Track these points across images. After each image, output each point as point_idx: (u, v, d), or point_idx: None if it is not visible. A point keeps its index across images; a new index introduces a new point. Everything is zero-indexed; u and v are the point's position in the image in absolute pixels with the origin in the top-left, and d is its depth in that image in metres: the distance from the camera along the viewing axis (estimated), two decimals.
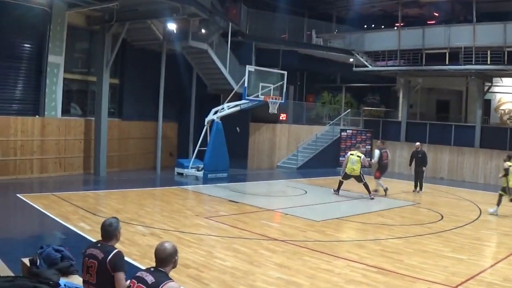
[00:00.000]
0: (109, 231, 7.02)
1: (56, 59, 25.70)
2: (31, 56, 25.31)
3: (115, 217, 7.27)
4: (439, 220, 18.73)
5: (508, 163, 20.23)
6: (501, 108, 37.74)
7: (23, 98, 25.13)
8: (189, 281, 10.45)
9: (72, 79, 27.80)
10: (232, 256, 12.59)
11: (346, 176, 24.15)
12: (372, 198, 23.43)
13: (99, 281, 6.70)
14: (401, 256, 13.16)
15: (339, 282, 10.93)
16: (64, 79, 26.41)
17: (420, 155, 26.54)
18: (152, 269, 6.01)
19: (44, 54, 25.35)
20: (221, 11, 32.58)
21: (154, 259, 6.16)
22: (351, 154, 24.35)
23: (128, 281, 6.37)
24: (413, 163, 26.76)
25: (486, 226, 18.01)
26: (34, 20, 25.02)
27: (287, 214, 18.87)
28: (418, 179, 26.58)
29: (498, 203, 20.16)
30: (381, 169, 25.58)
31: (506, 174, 20.11)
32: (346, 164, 24.11)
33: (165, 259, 6.05)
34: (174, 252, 6.15)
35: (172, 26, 28.18)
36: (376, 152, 25.76)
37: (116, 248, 6.86)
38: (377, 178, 25.38)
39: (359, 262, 12.41)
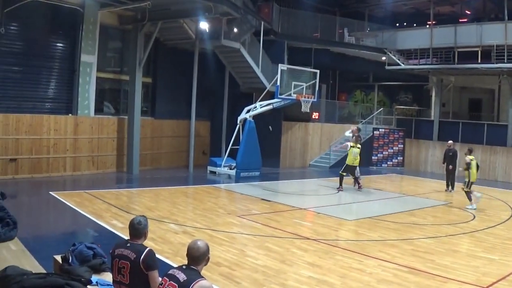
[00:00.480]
0: (138, 229, 7.03)
1: (88, 58, 25.85)
2: (64, 56, 25.51)
3: (143, 215, 7.28)
4: (471, 220, 18.57)
5: (469, 157, 21.36)
6: None
7: (56, 97, 25.33)
8: (221, 279, 10.45)
9: (105, 78, 27.95)
10: (264, 254, 12.58)
11: (348, 169, 24.78)
12: (359, 190, 24.67)
13: (132, 281, 6.69)
14: (432, 256, 13.05)
15: (371, 281, 10.87)
16: (97, 78, 26.56)
17: (451, 154, 26.32)
18: (184, 267, 5.98)
19: (76, 53, 25.53)
20: (253, 10, 32.54)
21: (186, 257, 6.14)
22: (351, 147, 24.77)
23: (160, 278, 6.37)
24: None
25: None
26: (67, 20, 25.21)
27: (319, 213, 18.82)
28: (450, 179, 26.21)
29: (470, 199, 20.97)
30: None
31: (467, 168, 21.01)
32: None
33: (198, 258, 6.01)
34: (207, 250, 6.11)
35: (204, 25, 28.22)
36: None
37: (146, 247, 6.85)
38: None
39: (390, 262, 12.34)
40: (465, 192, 20.69)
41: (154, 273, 6.60)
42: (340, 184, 24.66)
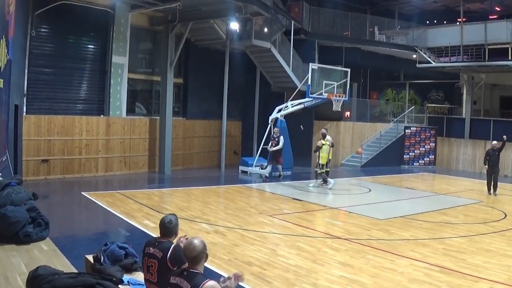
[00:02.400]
0: (169, 228, 7.09)
1: (120, 60, 26.01)
2: (95, 57, 25.68)
3: (173, 214, 7.31)
4: (503, 218, 18.45)
5: (322, 141, 23.42)
6: None
7: (88, 98, 25.50)
8: (252, 278, 10.47)
9: (136, 79, 28.09)
10: (295, 254, 12.59)
11: (324, 165, 24.42)
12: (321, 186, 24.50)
13: (160, 279, 6.73)
14: (464, 255, 12.98)
15: (402, 281, 10.84)
16: (128, 79, 26.72)
17: (497, 153, 24.64)
18: (185, 273, 5.82)
19: (108, 54, 25.69)
20: (283, 9, 32.53)
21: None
22: (323, 144, 24.22)
23: None
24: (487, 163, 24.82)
25: None
26: (98, 22, 25.36)
27: (351, 212, 18.79)
28: (493, 181, 24.55)
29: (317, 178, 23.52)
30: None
31: (316, 151, 23.42)
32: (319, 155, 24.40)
33: (196, 257, 5.84)
34: (204, 247, 5.91)
35: (235, 26, 28.29)
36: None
37: (172, 243, 6.88)
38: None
39: (422, 261, 12.29)
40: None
41: None
42: (325, 181, 24.59)
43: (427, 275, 11.23)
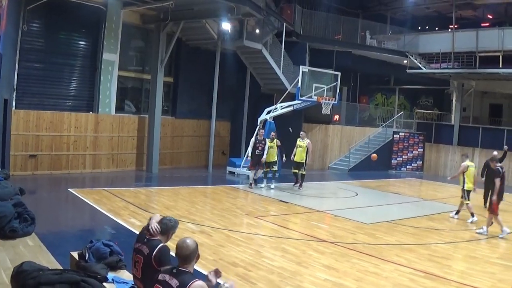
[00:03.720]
0: (187, 255, 7.12)
1: (110, 57, 25.98)
2: (86, 54, 25.64)
3: (172, 218, 7.36)
4: (490, 225, 18.50)
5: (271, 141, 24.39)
6: None
7: (78, 95, 25.45)
8: (237, 279, 10.47)
9: (127, 77, 28.07)
10: (280, 256, 12.62)
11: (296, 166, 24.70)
12: (299, 189, 24.45)
13: (144, 276, 6.80)
14: (449, 262, 13.06)
15: (387, 285, 10.89)
16: (119, 76, 26.70)
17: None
18: (174, 270, 5.91)
19: (99, 51, 25.65)
20: (276, 11, 32.59)
21: (200, 256, 6.14)
22: (300, 147, 24.75)
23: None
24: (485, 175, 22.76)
25: None
26: (90, 18, 25.31)
27: (337, 215, 18.82)
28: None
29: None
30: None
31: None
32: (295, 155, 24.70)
33: (189, 256, 5.94)
34: (196, 248, 6.04)
35: (226, 26, 28.31)
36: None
37: (161, 242, 6.90)
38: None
39: (407, 266, 12.34)
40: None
41: None
42: (298, 182, 24.90)
43: (412, 281, 11.27)
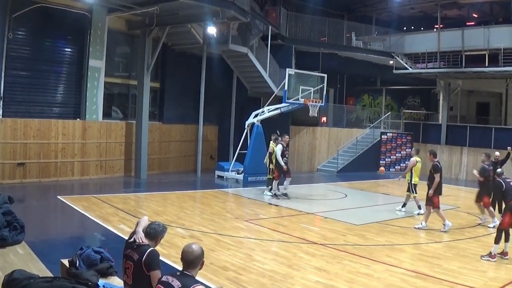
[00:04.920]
0: (191, 260, 7.14)
1: (96, 63, 25.95)
2: (72, 60, 25.62)
3: (160, 223, 7.38)
4: (478, 224, 18.55)
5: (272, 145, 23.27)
6: None
7: (64, 102, 25.44)
8: (228, 283, 10.47)
9: (113, 83, 28.08)
10: (271, 259, 12.62)
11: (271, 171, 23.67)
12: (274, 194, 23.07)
13: (135, 282, 6.77)
14: (440, 261, 13.05)
15: (378, 286, 10.89)
16: (105, 82, 26.67)
17: (499, 166, 19.48)
18: (178, 273, 5.96)
19: (85, 58, 25.64)
20: (261, 14, 32.65)
21: (183, 262, 6.14)
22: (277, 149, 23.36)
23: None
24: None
25: None
26: (75, 25, 25.32)
27: (326, 217, 18.84)
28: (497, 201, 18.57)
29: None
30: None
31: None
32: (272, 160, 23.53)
33: (193, 261, 5.99)
34: (202, 254, 6.09)
35: (212, 30, 28.33)
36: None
37: (150, 247, 6.90)
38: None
39: (398, 267, 12.34)
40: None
41: (155, 273, 6.64)
42: (271, 189, 23.60)
43: (403, 281, 11.28)
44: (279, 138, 23.31)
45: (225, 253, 12.81)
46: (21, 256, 9.18)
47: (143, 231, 7.14)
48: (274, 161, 23.08)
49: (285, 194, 22.58)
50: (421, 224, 17.37)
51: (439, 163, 17.85)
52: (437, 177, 17.42)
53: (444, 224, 17.10)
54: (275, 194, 22.61)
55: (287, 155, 23.50)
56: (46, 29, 24.25)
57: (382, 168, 30.36)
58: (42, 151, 23.91)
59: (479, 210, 18.68)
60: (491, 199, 17.58)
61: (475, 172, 18.82)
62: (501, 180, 13.91)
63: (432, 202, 17.28)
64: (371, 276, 11.59)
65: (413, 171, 20.07)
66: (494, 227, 16.72)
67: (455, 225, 18.06)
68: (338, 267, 12.21)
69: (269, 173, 23.60)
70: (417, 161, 19.93)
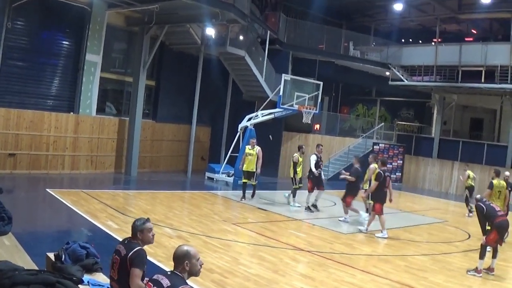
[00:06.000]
0: (132, 228, 7.18)
1: (93, 58, 25.92)
2: (69, 54, 25.61)
3: (146, 219, 7.36)
4: (466, 239, 18.57)
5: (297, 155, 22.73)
6: None
7: (59, 95, 25.41)
8: (213, 286, 10.45)
9: (109, 79, 28.05)
10: (257, 263, 12.59)
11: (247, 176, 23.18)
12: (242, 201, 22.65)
13: (120, 277, 6.82)
14: (426, 274, 13.04)
15: None
16: (101, 78, 26.65)
17: (509, 189, 18.69)
18: (169, 272, 5.96)
19: (82, 52, 25.61)
20: (260, 18, 32.65)
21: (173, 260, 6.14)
22: (250, 155, 23.11)
23: (145, 279, 6.44)
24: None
25: None
26: (74, 18, 25.33)
27: (314, 225, 18.83)
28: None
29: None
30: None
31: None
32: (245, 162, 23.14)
33: (177, 259, 5.97)
34: (186, 255, 5.98)
35: (210, 31, 28.38)
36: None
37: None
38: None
39: (383, 277, 12.32)
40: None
41: (135, 270, 6.68)
42: (244, 196, 23.11)
43: None
44: (303, 148, 23.38)
45: (211, 255, 12.77)
46: (7, 247, 9.14)
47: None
48: (298, 171, 22.81)
49: (315, 206, 21.99)
50: (382, 232, 17.52)
51: (383, 173, 17.95)
52: (374, 184, 17.83)
53: (381, 231, 17.47)
54: (308, 207, 21.85)
55: (322, 165, 22.88)
56: (45, 20, 24.25)
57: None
58: (34, 143, 23.88)
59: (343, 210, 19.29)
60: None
61: (344, 173, 19.55)
62: (481, 204, 13.98)
63: (374, 208, 17.92)
64: (356, 285, 11.56)
65: (371, 179, 19.99)
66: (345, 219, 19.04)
67: (443, 239, 18.10)
68: (324, 275, 12.18)
69: (294, 183, 22.81)
70: (376, 168, 19.91)
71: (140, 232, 7.17)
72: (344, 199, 19.78)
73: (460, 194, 24.38)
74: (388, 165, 36.47)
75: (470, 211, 24.18)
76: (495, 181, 18.42)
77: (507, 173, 19.39)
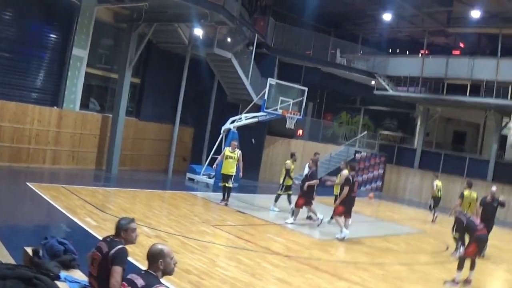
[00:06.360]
0: (116, 227, 7.18)
1: (80, 53, 25.80)
2: (55, 47, 25.45)
3: (130, 219, 7.44)
4: (445, 250, 18.65)
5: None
6: None
7: (43, 88, 25.24)
8: (189, 287, 10.44)
9: (94, 74, 27.92)
10: (234, 266, 12.58)
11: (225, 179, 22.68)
12: (221, 203, 22.33)
13: (99, 274, 6.84)
14: (403, 283, 13.13)
15: None
16: (86, 73, 26.52)
17: (496, 205, 18.24)
18: (143, 271, 5.98)
19: (68, 46, 25.47)
20: (249, 21, 32.65)
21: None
22: (230, 158, 22.70)
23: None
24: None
25: (492, 260, 17.81)
26: (63, 12, 25.20)
27: (293, 230, 18.86)
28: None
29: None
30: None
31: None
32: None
33: (150, 257, 6.02)
34: (161, 254, 6.03)
35: (198, 32, 28.35)
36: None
37: (121, 244, 6.90)
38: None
39: (361, 285, 12.37)
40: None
41: (116, 268, 6.66)
42: (224, 197, 22.65)
43: None
44: (295, 155, 23.64)
45: (189, 256, 12.76)
46: None
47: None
48: (289, 178, 22.83)
49: (310, 218, 21.36)
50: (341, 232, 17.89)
51: (352, 178, 18.33)
52: (345, 189, 18.06)
53: (340, 231, 17.89)
54: (309, 216, 21.19)
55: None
56: (33, 12, 24.09)
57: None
58: (16, 135, 23.71)
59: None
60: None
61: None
62: (462, 217, 14.16)
63: (336, 209, 18.57)
64: None
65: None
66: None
67: (421, 249, 18.18)
68: (301, 280, 12.22)
69: (281, 190, 22.80)
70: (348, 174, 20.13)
71: (124, 231, 7.18)
72: (298, 201, 20.04)
73: (440, 206, 24.54)
74: (369, 174, 36.87)
75: (434, 219, 25.75)
76: (466, 192, 18.94)
77: (493, 188, 18.95)
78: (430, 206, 26.74)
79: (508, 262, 18.00)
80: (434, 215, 25.69)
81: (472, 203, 18.67)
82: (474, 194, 18.96)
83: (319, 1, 34.18)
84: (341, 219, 18.24)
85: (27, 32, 24.08)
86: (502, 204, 18.28)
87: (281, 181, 22.85)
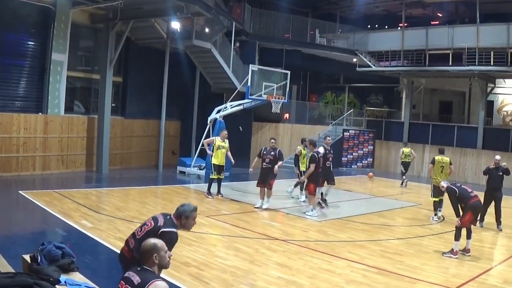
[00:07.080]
0: (181, 211, 7.47)
1: (59, 57, 25.69)
2: (34, 54, 25.33)
3: (195, 206, 7.72)
4: (441, 221, 18.73)
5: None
6: (503, 109, 37.79)
7: (26, 96, 25.15)
8: (190, 279, 10.48)
9: (76, 77, 27.83)
10: (233, 255, 12.65)
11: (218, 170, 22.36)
12: (218, 195, 22.08)
13: (142, 237, 6.86)
14: (401, 257, 13.17)
15: (340, 282, 10.94)
16: (68, 76, 26.41)
17: (500, 173, 18.19)
18: (139, 268, 5.93)
19: (47, 51, 25.35)
20: (225, 10, 32.61)
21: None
22: (223, 148, 22.37)
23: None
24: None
25: (488, 228, 17.91)
26: (38, 18, 25.10)
27: (288, 213, 18.93)
28: (496, 210, 18.00)
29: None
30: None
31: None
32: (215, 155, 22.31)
33: (144, 253, 6.00)
34: (154, 248, 5.99)
35: (176, 25, 28.30)
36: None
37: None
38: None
39: (359, 263, 12.45)
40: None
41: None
42: (209, 191, 22.19)
43: (364, 277, 11.37)
44: (306, 141, 22.98)
45: (186, 248, 12.78)
46: None
47: None
48: (302, 163, 22.74)
49: (325, 201, 21.23)
50: (312, 211, 18.66)
51: (317, 154, 18.50)
52: (312, 166, 18.20)
53: (312, 210, 18.52)
54: (319, 202, 20.18)
55: (330, 158, 21.32)
56: (8, 21, 23.93)
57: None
58: (4, 145, 23.61)
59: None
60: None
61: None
62: (453, 187, 14.14)
63: (308, 188, 18.80)
64: (333, 272, 11.66)
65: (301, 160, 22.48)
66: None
67: (417, 222, 18.26)
68: (300, 263, 12.29)
69: (299, 177, 22.41)
70: (301, 150, 22.34)
71: (186, 217, 7.40)
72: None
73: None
74: (359, 151, 36.97)
75: (402, 183, 28.45)
76: (437, 157, 19.51)
77: (497, 156, 18.96)
78: (401, 171, 28.89)
79: (506, 227, 18.07)
80: (403, 179, 26.98)
81: (445, 167, 19.01)
82: (447, 159, 19.39)
83: None
84: (314, 199, 18.55)
85: (4, 42, 23.94)
86: (507, 172, 18.27)
87: (296, 170, 23.30)
